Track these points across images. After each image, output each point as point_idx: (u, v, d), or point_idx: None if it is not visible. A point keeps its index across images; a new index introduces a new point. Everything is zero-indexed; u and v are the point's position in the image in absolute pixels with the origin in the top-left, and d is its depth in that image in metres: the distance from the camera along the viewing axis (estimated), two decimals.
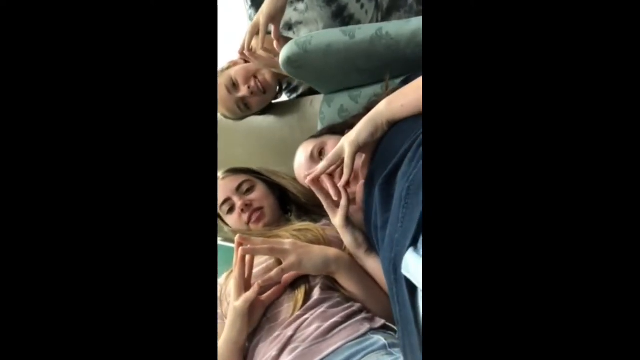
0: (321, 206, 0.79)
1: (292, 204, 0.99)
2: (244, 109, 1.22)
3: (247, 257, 0.75)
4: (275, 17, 0.99)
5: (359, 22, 1.19)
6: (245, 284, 0.73)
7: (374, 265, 0.76)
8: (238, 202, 0.94)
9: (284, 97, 1.43)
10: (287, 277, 0.76)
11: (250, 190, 0.96)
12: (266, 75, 1.20)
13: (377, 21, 1.23)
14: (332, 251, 0.77)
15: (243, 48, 1.04)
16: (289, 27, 1.23)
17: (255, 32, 1.01)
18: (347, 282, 0.76)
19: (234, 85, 1.18)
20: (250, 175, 0.99)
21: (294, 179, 0.99)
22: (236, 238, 0.74)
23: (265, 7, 0.98)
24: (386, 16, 1.26)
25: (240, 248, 0.72)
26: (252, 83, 1.17)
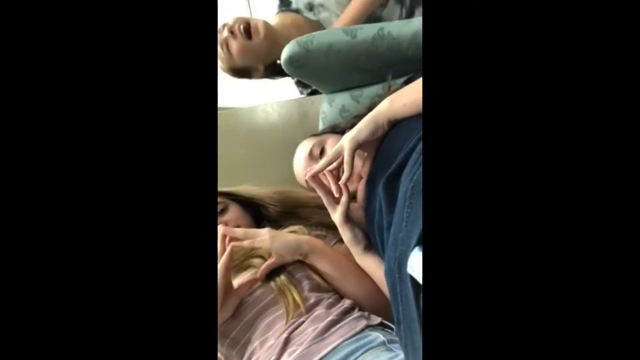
0: (304, 207, 0.80)
1: (266, 221, 0.98)
2: (226, 52, 1.25)
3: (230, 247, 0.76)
4: None
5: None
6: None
7: (371, 263, 0.75)
8: None
9: (296, 93, 1.43)
10: (263, 269, 0.76)
11: (223, 211, 0.94)
12: (258, 24, 1.21)
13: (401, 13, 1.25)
14: (304, 237, 0.80)
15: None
16: (310, 7, 1.24)
17: None
18: (321, 264, 0.77)
19: (223, 28, 1.23)
20: (222, 197, 0.97)
21: (272, 192, 0.98)
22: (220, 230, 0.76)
23: None
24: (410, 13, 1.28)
25: (222, 227, 0.76)
26: (236, 26, 1.20)
